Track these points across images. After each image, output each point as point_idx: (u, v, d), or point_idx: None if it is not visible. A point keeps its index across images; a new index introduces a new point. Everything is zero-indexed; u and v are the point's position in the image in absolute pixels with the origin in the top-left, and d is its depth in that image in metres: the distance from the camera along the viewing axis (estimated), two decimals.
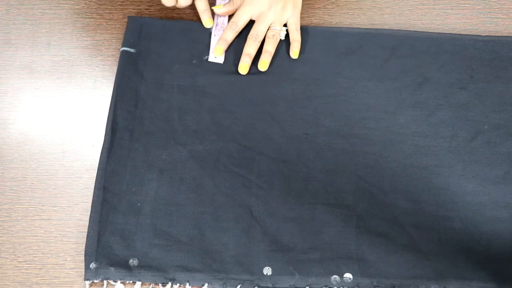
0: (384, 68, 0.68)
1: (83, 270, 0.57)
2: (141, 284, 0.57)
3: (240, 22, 0.69)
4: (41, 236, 0.60)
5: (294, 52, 0.69)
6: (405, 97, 0.67)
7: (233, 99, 0.66)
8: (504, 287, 0.57)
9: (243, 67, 0.68)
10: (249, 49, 0.68)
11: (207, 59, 0.69)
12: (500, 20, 0.73)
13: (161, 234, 0.59)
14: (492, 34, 0.71)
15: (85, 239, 0.58)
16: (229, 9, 0.70)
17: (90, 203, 0.60)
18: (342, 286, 0.57)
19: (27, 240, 0.59)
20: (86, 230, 0.59)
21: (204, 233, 0.59)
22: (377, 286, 0.57)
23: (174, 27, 0.71)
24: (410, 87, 0.67)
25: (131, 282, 0.57)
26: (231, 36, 0.69)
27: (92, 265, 0.57)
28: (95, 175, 0.62)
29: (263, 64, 0.68)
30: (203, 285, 0.57)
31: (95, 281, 0.57)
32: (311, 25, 0.72)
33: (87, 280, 0.57)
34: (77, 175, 0.63)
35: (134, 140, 0.63)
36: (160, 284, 0.57)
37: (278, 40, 0.69)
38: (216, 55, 0.68)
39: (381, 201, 0.61)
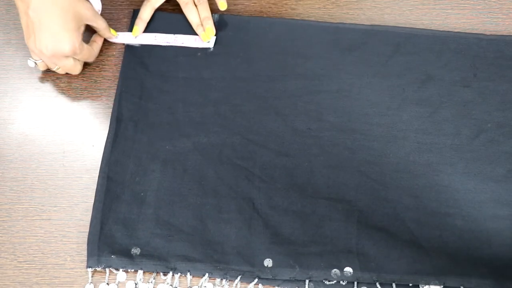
0: (387, 64, 0.69)
1: (83, 270, 0.58)
2: (143, 273, 0.57)
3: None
4: (41, 236, 0.60)
5: (221, 4, 0.69)
6: (408, 94, 0.67)
7: (238, 93, 0.67)
8: (504, 285, 0.57)
9: (209, 31, 0.69)
10: (194, 15, 0.69)
11: (211, 50, 0.69)
12: (500, 20, 0.73)
13: (163, 224, 0.59)
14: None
15: (85, 239, 0.58)
16: (142, 26, 0.70)
17: (90, 203, 0.60)
18: (342, 280, 0.57)
19: (27, 240, 0.59)
20: (86, 230, 0.59)
21: (206, 224, 0.59)
22: (377, 281, 0.57)
23: (179, 20, 0.71)
24: (414, 84, 0.68)
25: (132, 270, 0.57)
26: (147, 15, 0.70)
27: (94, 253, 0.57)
28: (95, 175, 0.62)
29: (209, 31, 0.69)
30: (203, 275, 0.57)
31: (97, 269, 0.57)
32: None
33: (89, 267, 0.57)
34: (77, 175, 0.63)
35: (138, 131, 0.64)
36: (161, 273, 0.57)
37: (206, 1, 0.70)
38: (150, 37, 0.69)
39: (383, 197, 0.61)
